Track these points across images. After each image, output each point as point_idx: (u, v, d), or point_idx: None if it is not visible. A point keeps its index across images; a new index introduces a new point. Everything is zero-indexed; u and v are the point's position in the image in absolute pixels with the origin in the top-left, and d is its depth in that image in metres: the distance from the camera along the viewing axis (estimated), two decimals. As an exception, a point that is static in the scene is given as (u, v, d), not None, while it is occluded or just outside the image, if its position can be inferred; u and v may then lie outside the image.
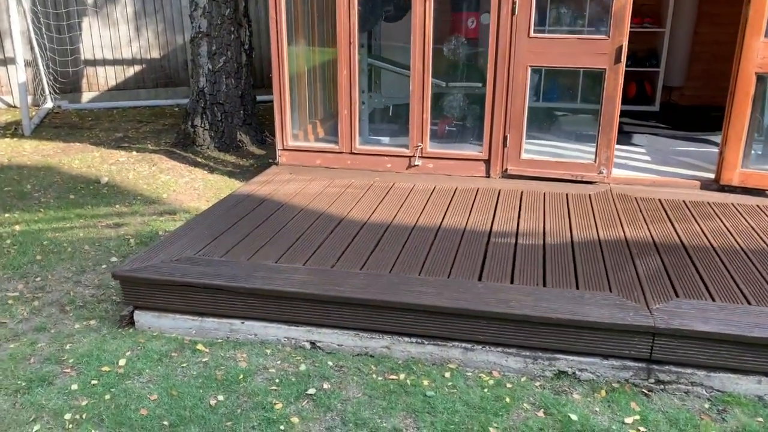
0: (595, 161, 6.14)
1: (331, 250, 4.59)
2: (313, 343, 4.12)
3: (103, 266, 5.21)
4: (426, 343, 3.96)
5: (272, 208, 5.48)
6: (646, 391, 3.70)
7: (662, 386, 3.72)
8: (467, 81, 6.88)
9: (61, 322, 4.39)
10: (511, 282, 4.13)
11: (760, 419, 3.47)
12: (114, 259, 5.34)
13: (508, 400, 3.62)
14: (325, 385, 3.71)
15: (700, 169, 6.57)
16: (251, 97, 8.58)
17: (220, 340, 4.20)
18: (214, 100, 8.09)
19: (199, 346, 4.10)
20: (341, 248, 4.63)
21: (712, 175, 6.24)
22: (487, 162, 6.35)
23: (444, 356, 3.97)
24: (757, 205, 5.66)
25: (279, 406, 3.53)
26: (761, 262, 4.45)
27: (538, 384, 3.79)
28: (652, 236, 4.91)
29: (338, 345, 4.08)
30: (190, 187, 7.02)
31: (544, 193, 5.89)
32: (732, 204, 5.69)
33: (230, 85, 8.14)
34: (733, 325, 3.62)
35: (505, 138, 6.21)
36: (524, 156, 6.26)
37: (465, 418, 3.46)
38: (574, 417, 3.48)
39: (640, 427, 3.41)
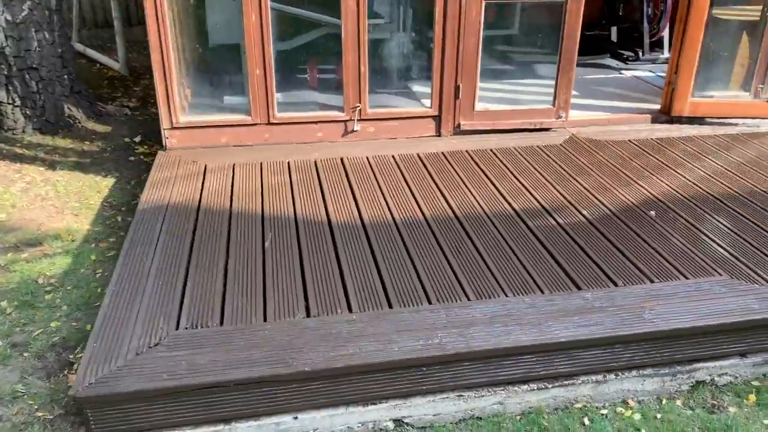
0: (553, 105, 5.49)
1: (389, 281, 3.35)
2: (398, 421, 2.96)
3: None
4: (550, 386, 3.05)
5: (221, 221, 3.94)
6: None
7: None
8: (412, 21, 5.66)
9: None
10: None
11: None
12: (-12, 341, 3.43)
13: (682, 440, 2.91)
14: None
15: (628, 99, 6.31)
16: (72, 54, 6.33)
17: (261, 450, 2.83)
18: (24, 65, 5.76)
19: (240, 470, 2.71)
20: (402, 276, 3.41)
21: (654, 106, 5.99)
22: (438, 118, 5.34)
23: (570, 397, 3.10)
24: (716, 135, 5.53)
25: None
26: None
27: (679, 402, 3.14)
28: (685, 185, 4.43)
29: (434, 415, 2.97)
30: (35, 197, 4.93)
31: (518, 150, 5.11)
32: (696, 137, 5.48)
33: (44, 41, 5.84)
34: None
35: (457, 88, 5.23)
36: (478, 107, 5.36)
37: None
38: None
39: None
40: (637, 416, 3.05)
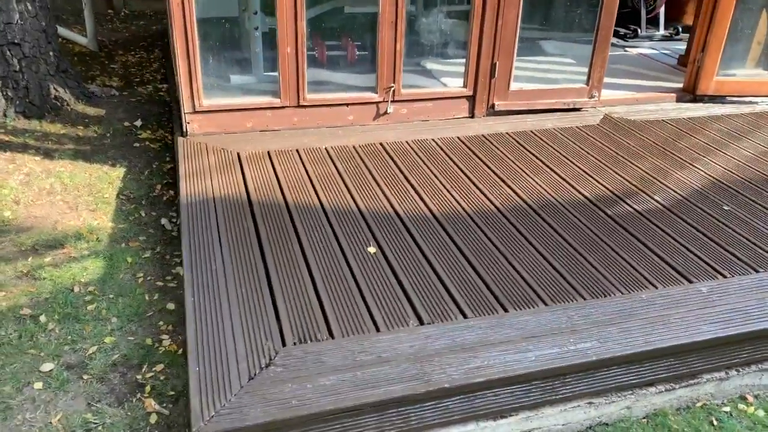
0: (587, 84, 5.32)
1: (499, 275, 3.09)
2: (527, 434, 2.74)
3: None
4: (677, 386, 2.90)
5: (281, 217, 3.57)
6: None
7: None
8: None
9: None
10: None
11: None
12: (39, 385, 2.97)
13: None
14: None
15: (645, 77, 6.23)
16: (55, 29, 5.67)
17: (388, 475, 2.55)
18: (4, 40, 5.10)
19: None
20: (502, 273, 3.15)
21: (674, 85, 5.93)
22: (472, 99, 5.07)
23: (693, 396, 2.96)
24: (743, 114, 5.51)
25: None
26: None
27: (793, 395, 3.07)
28: (739, 166, 4.36)
29: (563, 425, 2.77)
30: (39, 190, 4.37)
31: (558, 131, 4.92)
32: (725, 116, 5.44)
33: (26, 14, 5.18)
34: None
35: (493, 66, 4.98)
36: (512, 87, 5.13)
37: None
38: None
39: None
40: (761, 413, 2.95)
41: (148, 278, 3.62)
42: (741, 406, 2.99)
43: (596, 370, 2.69)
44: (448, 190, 3.96)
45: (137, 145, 5.13)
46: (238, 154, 4.31)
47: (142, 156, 4.97)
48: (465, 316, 2.84)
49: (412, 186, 4.00)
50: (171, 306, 3.41)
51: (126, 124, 5.43)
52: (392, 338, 2.67)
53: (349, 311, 2.83)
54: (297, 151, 4.41)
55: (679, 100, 5.73)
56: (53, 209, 4.20)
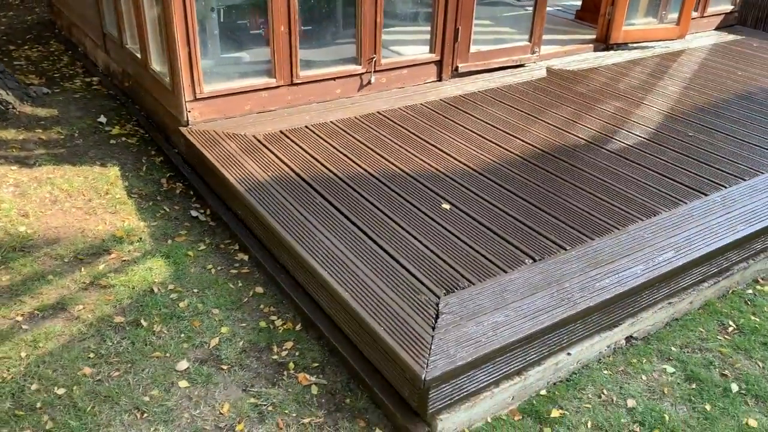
0: (530, 41, 5.88)
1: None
2: (629, 338, 3.24)
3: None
4: (720, 279, 3.55)
5: (344, 188, 3.70)
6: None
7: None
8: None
9: None
10: None
11: None
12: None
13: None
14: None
15: (557, 32, 6.93)
16: (-21, 25, 5.08)
17: (543, 392, 2.92)
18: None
19: (542, 412, 2.80)
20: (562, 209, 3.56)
21: (586, 36, 6.69)
22: (440, 63, 5.42)
23: (727, 285, 3.63)
24: (653, 56, 6.41)
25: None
26: None
27: (784, 274, 3.88)
28: (691, 95, 5.16)
29: (651, 325, 3.31)
30: (41, 200, 4.02)
31: (522, 86, 5.44)
32: (639, 59, 6.30)
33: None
34: None
35: (456, 31, 5.35)
36: (472, 49, 5.54)
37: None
38: None
39: None
40: (773, 289, 3.72)
41: (219, 268, 3.61)
42: (757, 287, 3.74)
43: (675, 276, 3.25)
44: (479, 138, 4.32)
45: (114, 142, 4.85)
46: (255, 137, 4.31)
47: (125, 153, 4.73)
48: (565, 249, 3.25)
49: (433, 145, 4.30)
50: (260, 290, 3.45)
51: (89, 122, 5.09)
52: (522, 276, 3.02)
53: (466, 261, 3.12)
54: (307, 127, 4.50)
55: (595, 49, 6.51)
56: (70, 217, 3.94)
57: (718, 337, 3.31)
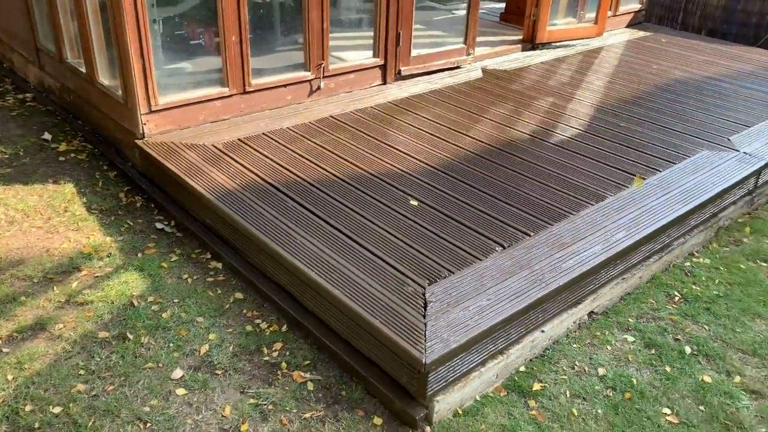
0: (465, 43, 6.16)
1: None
2: (591, 313, 3.53)
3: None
4: (664, 254, 3.91)
5: (313, 191, 3.81)
6: None
7: None
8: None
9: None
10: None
11: None
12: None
13: None
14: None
15: (484, 34, 7.28)
16: None
17: (522, 368, 3.15)
18: None
19: (522, 386, 3.03)
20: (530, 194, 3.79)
21: (512, 37, 7.06)
22: (384, 67, 5.60)
23: (669, 260, 4.01)
24: (576, 53, 6.85)
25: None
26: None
27: (715, 244, 4.30)
28: (617, 88, 5.56)
29: (608, 300, 3.61)
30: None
31: (461, 87, 5.70)
32: (564, 57, 6.71)
33: None
34: None
35: (398, 36, 5.55)
36: (413, 53, 5.76)
37: None
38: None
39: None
40: (707, 260, 4.11)
41: (195, 277, 3.64)
42: (694, 259, 4.13)
43: (627, 254, 3.56)
44: (442, 142, 4.52)
45: (63, 159, 4.75)
46: (214, 146, 4.34)
47: (77, 169, 4.64)
48: (529, 235, 3.50)
49: (390, 145, 4.47)
50: (239, 295, 3.52)
51: (32, 139, 4.94)
52: (493, 263, 3.24)
53: (442, 252, 3.31)
54: (264, 134, 4.57)
55: (523, 49, 6.89)
56: (31, 237, 3.86)
57: (667, 306, 3.66)
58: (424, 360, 2.60)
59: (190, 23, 4.57)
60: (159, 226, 4.09)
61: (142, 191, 4.40)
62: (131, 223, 4.09)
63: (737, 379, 3.15)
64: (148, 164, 4.38)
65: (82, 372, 2.96)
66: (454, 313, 2.87)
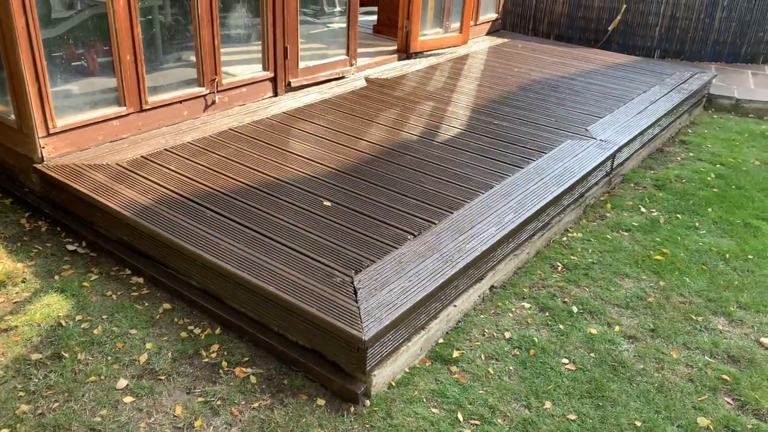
0: (347, 54, 6.52)
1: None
2: (492, 288, 3.99)
3: None
4: (546, 231, 4.47)
5: (227, 200, 3.98)
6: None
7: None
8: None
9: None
10: (532, 160, 4.89)
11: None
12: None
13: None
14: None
15: (362, 45, 7.70)
16: None
17: (441, 340, 3.54)
18: None
19: (443, 353, 3.42)
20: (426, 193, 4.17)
21: (387, 48, 7.53)
22: (274, 80, 5.83)
23: (549, 236, 4.59)
24: (446, 61, 7.43)
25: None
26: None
27: (584, 220, 4.95)
28: (490, 89, 6.13)
29: (504, 275, 4.10)
30: None
31: (348, 96, 6.06)
32: (436, 64, 7.27)
33: None
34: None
35: (285, 49, 5.81)
36: (300, 65, 6.04)
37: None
38: None
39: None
40: (580, 234, 4.74)
41: (119, 293, 3.70)
42: (569, 234, 4.75)
43: (516, 233, 4.07)
44: (336, 146, 4.82)
45: (-51, 189, 4.55)
46: (118, 164, 4.38)
47: (-33, 198, 4.47)
48: (434, 223, 3.91)
49: (292, 152, 4.73)
50: (167, 305, 3.63)
51: None
52: (410, 249, 3.61)
53: (361, 244, 3.63)
54: (166, 150, 4.65)
55: (399, 59, 7.38)
56: (-67, 270, 3.72)
57: (553, 275, 4.21)
58: (363, 337, 2.91)
59: (83, 43, 4.56)
60: (71, 248, 4.07)
61: (45, 215, 4.34)
62: (40, 248, 4.05)
63: (617, 328, 3.73)
64: (49, 188, 4.33)
65: (22, 393, 2.97)
66: (383, 295, 3.20)
